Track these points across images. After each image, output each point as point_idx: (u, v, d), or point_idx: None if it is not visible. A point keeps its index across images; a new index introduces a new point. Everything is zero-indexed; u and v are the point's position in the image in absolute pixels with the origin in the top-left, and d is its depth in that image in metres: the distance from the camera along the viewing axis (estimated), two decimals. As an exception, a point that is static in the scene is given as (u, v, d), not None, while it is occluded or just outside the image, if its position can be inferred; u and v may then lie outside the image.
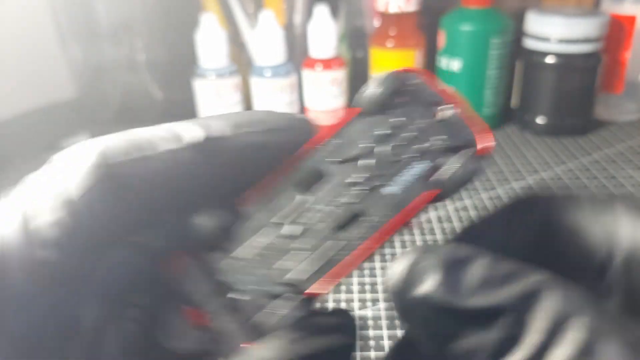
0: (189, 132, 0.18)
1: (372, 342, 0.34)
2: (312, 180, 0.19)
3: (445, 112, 0.19)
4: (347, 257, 0.18)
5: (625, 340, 0.13)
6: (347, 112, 0.20)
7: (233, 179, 0.19)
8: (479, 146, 0.19)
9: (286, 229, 0.19)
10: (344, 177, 0.19)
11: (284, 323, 0.18)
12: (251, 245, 0.19)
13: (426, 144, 0.19)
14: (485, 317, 0.14)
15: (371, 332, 0.35)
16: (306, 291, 0.19)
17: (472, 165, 0.18)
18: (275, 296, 0.19)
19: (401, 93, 0.19)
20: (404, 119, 0.19)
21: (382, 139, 0.19)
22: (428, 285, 0.15)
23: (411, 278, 0.15)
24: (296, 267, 0.19)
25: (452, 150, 0.19)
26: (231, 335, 0.19)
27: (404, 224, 0.19)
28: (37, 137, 0.66)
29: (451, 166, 0.18)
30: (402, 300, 0.15)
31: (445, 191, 0.19)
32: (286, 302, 0.18)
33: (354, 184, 0.19)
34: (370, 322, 0.36)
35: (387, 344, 0.34)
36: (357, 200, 0.19)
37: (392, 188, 0.19)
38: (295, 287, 0.19)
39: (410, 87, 0.20)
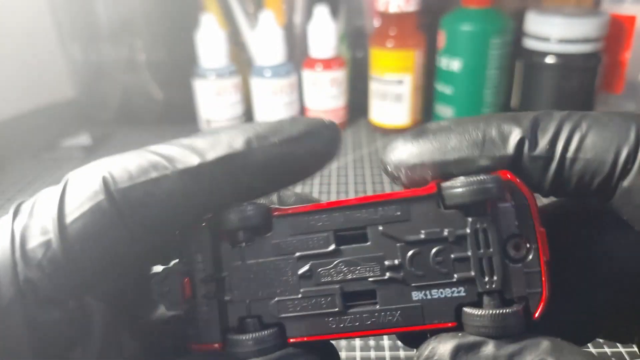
0: (203, 149, 0.17)
1: (372, 343, 0.34)
2: (353, 236, 0.18)
3: (522, 255, 0.17)
4: (340, 333, 0.18)
5: None
6: (429, 185, 0.17)
7: (250, 196, 0.18)
8: (533, 313, 0.16)
9: (305, 271, 0.18)
10: (381, 253, 0.18)
11: (254, 355, 0.17)
12: (267, 265, 0.18)
13: (478, 276, 0.17)
14: None
15: (371, 332, 0.35)
16: (290, 339, 0.18)
17: (512, 328, 0.16)
18: (263, 326, 0.18)
19: (492, 203, 0.17)
20: (473, 236, 0.17)
21: (439, 240, 0.17)
22: None
23: None
24: (293, 313, 0.18)
25: (502, 298, 0.16)
26: (200, 328, 0.18)
27: (409, 333, 0.18)
28: (37, 137, 0.66)
29: (492, 317, 0.16)
30: None
31: (465, 330, 0.17)
32: (267, 338, 0.18)
33: (387, 267, 0.17)
34: (370, 322, 0.36)
35: (387, 344, 0.34)
36: (380, 283, 0.17)
37: (417, 295, 0.17)
38: (283, 330, 0.18)
39: (505, 204, 0.17)
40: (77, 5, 0.68)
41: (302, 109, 0.69)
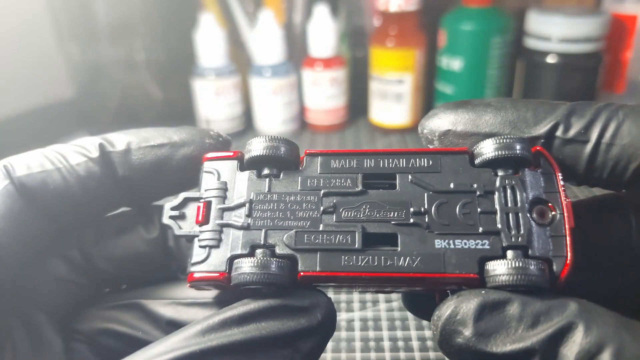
0: (90, 149, 0.20)
1: (372, 343, 0.34)
2: (381, 184, 0.18)
3: (546, 221, 0.17)
4: (354, 271, 0.17)
5: None
6: (461, 147, 0.18)
7: (132, 190, 0.20)
8: (558, 276, 0.16)
9: (329, 206, 0.18)
10: (408, 199, 0.18)
11: (257, 278, 0.17)
12: (291, 198, 0.18)
13: (504, 229, 0.17)
14: (519, 358, 0.15)
15: (371, 333, 0.35)
16: (301, 272, 0.17)
17: (536, 279, 0.15)
18: (273, 255, 0.17)
19: (520, 164, 0.17)
20: (502, 190, 0.17)
21: (467, 193, 0.17)
22: (463, 337, 0.15)
23: (450, 328, 0.16)
24: (309, 246, 0.17)
25: (526, 255, 0.16)
26: (206, 257, 0.18)
27: (426, 290, 0.17)
28: (36, 136, 0.66)
29: (516, 266, 0.16)
30: (446, 349, 0.16)
31: (486, 285, 0.16)
32: (273, 264, 0.17)
33: (412, 212, 0.17)
34: (370, 323, 0.36)
35: (387, 345, 0.34)
36: (403, 227, 0.17)
37: (440, 243, 0.17)
38: (294, 264, 0.17)
39: (533, 170, 0.17)
40: (76, 4, 0.67)
41: (302, 109, 0.69)
